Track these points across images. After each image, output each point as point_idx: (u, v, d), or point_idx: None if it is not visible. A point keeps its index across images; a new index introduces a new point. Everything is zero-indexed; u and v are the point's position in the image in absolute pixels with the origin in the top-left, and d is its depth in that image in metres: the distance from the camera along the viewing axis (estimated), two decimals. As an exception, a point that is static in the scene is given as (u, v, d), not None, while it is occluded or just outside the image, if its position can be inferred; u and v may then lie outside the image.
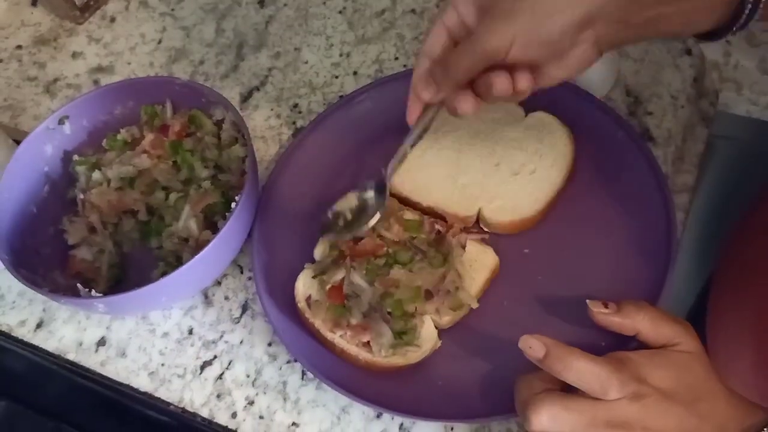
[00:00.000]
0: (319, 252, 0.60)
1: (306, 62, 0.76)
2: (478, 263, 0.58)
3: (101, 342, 0.62)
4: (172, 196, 0.63)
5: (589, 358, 0.45)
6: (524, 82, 0.48)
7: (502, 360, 0.54)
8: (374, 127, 0.66)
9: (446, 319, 0.56)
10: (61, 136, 0.66)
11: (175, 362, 0.61)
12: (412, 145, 0.57)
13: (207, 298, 0.64)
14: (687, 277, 0.76)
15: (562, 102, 0.63)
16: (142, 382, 0.60)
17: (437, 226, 0.60)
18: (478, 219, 0.61)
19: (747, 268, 0.64)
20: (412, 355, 0.54)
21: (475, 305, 0.56)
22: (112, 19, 0.84)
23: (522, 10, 0.46)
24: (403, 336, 0.54)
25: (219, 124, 0.66)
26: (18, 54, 0.83)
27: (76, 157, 0.67)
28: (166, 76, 0.67)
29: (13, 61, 0.82)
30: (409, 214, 0.60)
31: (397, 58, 0.75)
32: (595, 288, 0.55)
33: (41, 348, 0.63)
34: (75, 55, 0.82)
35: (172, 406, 0.59)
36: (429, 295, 0.56)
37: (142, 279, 0.60)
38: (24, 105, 0.78)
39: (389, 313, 0.55)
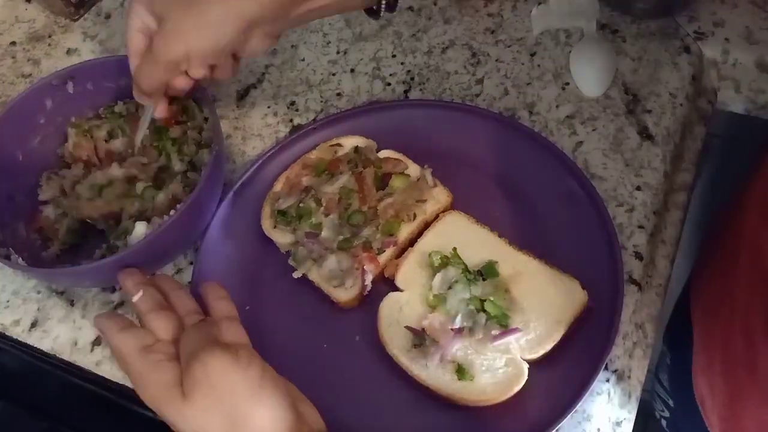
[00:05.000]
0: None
1: (303, 60, 0.76)
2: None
3: (96, 342, 0.62)
4: (139, 186, 0.63)
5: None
6: (200, 75, 0.56)
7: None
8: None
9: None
10: (63, 93, 0.67)
11: (171, 362, 0.60)
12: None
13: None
14: (684, 277, 0.76)
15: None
16: (137, 382, 0.60)
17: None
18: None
19: (730, 250, 0.63)
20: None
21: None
22: (107, 16, 0.83)
23: (187, 28, 0.52)
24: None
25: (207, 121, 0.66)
26: (12, 50, 0.82)
27: (73, 118, 0.67)
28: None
29: (7, 58, 0.81)
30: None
31: (394, 56, 0.74)
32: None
33: (36, 348, 0.62)
34: (70, 52, 0.81)
35: (168, 406, 0.58)
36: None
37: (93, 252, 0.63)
38: (18, 102, 0.77)
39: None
